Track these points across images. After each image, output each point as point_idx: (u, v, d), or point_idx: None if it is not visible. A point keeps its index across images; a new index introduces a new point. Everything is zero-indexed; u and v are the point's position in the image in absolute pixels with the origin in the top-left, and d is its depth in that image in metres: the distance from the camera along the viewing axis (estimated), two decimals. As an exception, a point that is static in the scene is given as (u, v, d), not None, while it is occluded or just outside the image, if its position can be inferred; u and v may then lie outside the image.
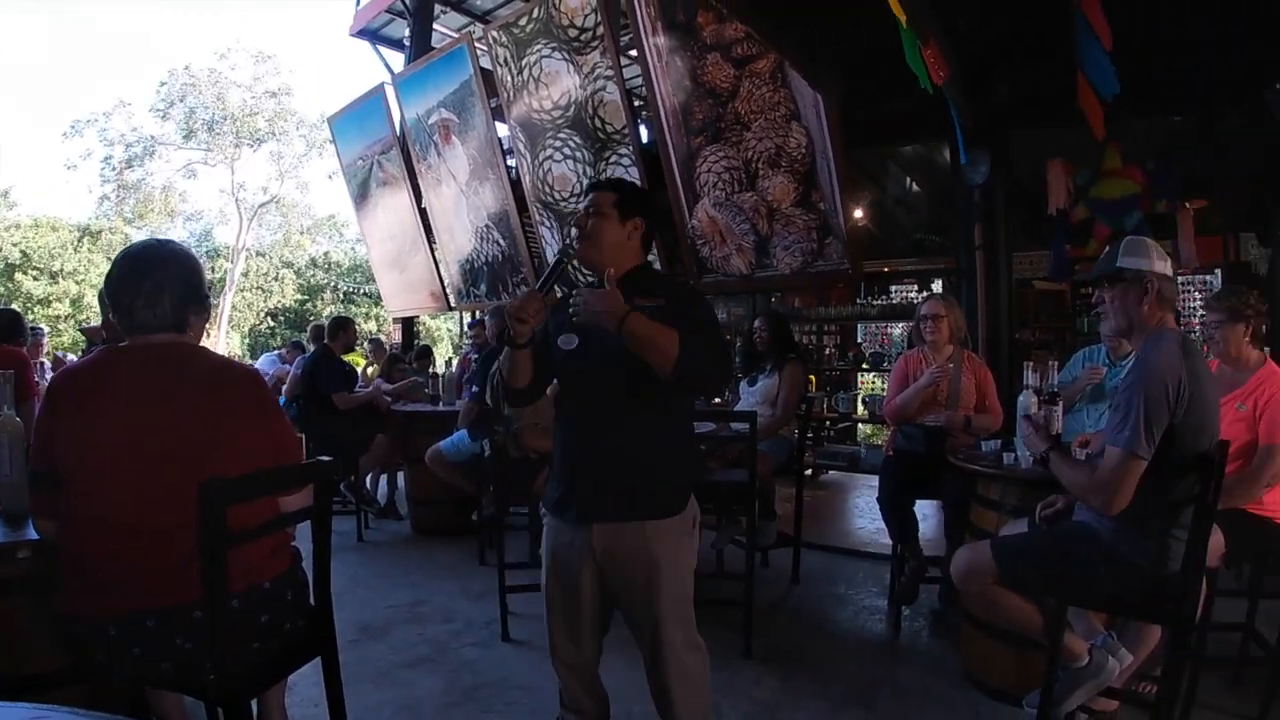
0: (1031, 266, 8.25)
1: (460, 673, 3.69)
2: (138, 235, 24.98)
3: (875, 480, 4.75)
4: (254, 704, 2.24)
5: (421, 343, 11.53)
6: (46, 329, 8.76)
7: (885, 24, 3.64)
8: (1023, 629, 2.79)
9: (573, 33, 6.48)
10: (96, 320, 9.29)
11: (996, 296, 5.68)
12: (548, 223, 7.33)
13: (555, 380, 2.58)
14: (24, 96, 50.81)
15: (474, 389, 5.60)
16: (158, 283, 2.09)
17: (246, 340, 28.06)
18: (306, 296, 29.73)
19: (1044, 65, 4.95)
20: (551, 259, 7.32)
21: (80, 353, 6.86)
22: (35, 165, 50.69)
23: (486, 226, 8.19)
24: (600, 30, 6.32)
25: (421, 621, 4.32)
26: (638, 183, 3.90)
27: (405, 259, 9.67)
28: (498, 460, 4.33)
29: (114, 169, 25.92)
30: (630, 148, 6.51)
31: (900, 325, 9.76)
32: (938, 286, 9.36)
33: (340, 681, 2.38)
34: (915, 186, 9.86)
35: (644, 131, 7.18)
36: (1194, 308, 8.10)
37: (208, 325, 2.33)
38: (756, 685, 3.54)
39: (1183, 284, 7.54)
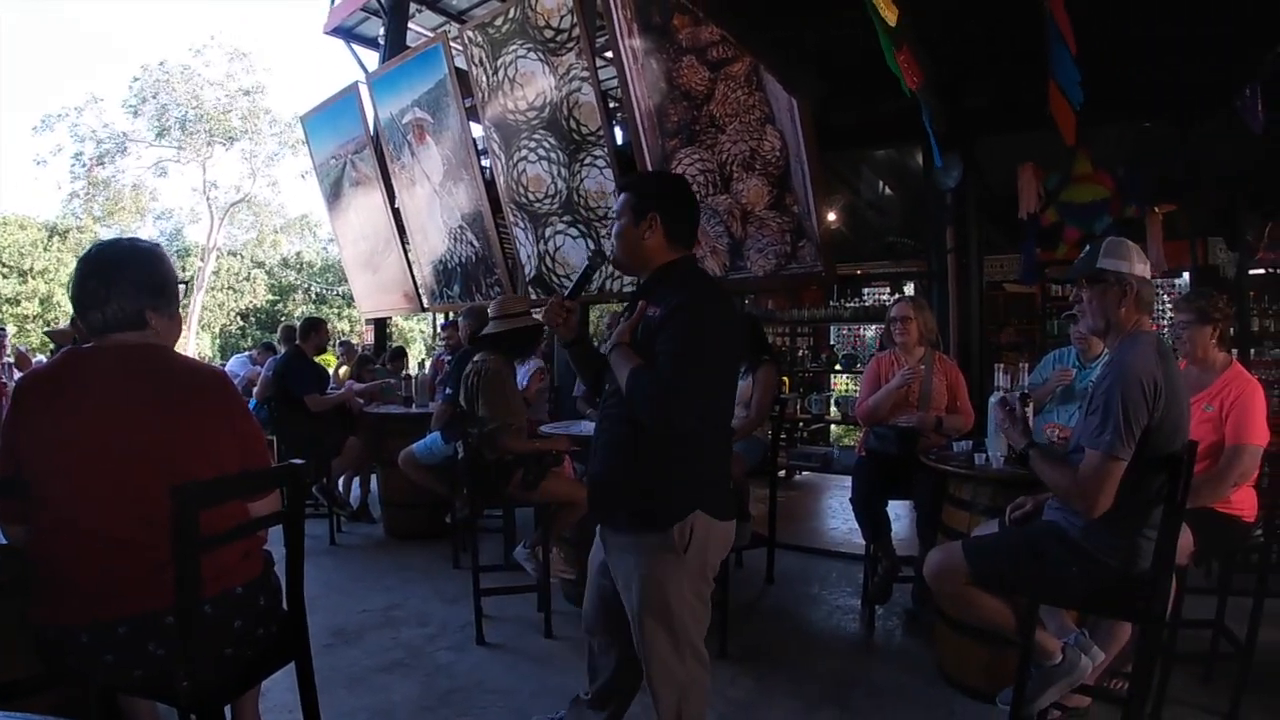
0: (1002, 270, 8.34)
1: (435, 677, 3.67)
2: (107, 233, 24.62)
3: (848, 481, 4.78)
4: (228, 710, 2.22)
5: (395, 344, 11.46)
6: (9, 329, 8.59)
7: (860, 28, 3.66)
8: (996, 627, 2.82)
9: (548, 33, 6.46)
10: (65, 321, 9.14)
11: (968, 299, 5.74)
12: (522, 224, 7.31)
13: (527, 384, 2.64)
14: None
15: (447, 391, 5.57)
16: (107, 281, 2.07)
17: (217, 341, 27.78)
18: (278, 297, 29.49)
19: (1016, 71, 4.99)
20: (525, 260, 7.34)
21: (48, 355, 6.75)
22: (2, 161, 49.98)
23: (460, 227, 8.15)
24: (576, 31, 6.31)
25: (396, 626, 4.30)
26: (657, 174, 3.81)
27: (378, 259, 9.60)
28: (471, 462, 4.31)
29: (84, 166, 25.52)
30: (605, 149, 6.50)
31: (873, 327, 9.86)
32: (910, 289, 9.43)
33: (314, 687, 2.36)
34: (888, 190, 9.95)
35: (619, 133, 7.18)
36: (1162, 310, 8.22)
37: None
38: (731, 685, 3.56)
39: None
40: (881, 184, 9.88)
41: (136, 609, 1.95)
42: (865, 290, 10.32)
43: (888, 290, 10.29)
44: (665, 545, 2.35)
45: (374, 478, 7.11)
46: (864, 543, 4.45)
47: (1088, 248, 2.76)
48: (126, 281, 2.08)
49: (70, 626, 1.94)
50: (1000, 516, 3.04)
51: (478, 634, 4.08)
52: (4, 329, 8.38)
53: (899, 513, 4.89)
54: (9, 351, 7.82)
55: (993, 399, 3.14)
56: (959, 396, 4.46)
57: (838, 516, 6.79)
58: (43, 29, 53.08)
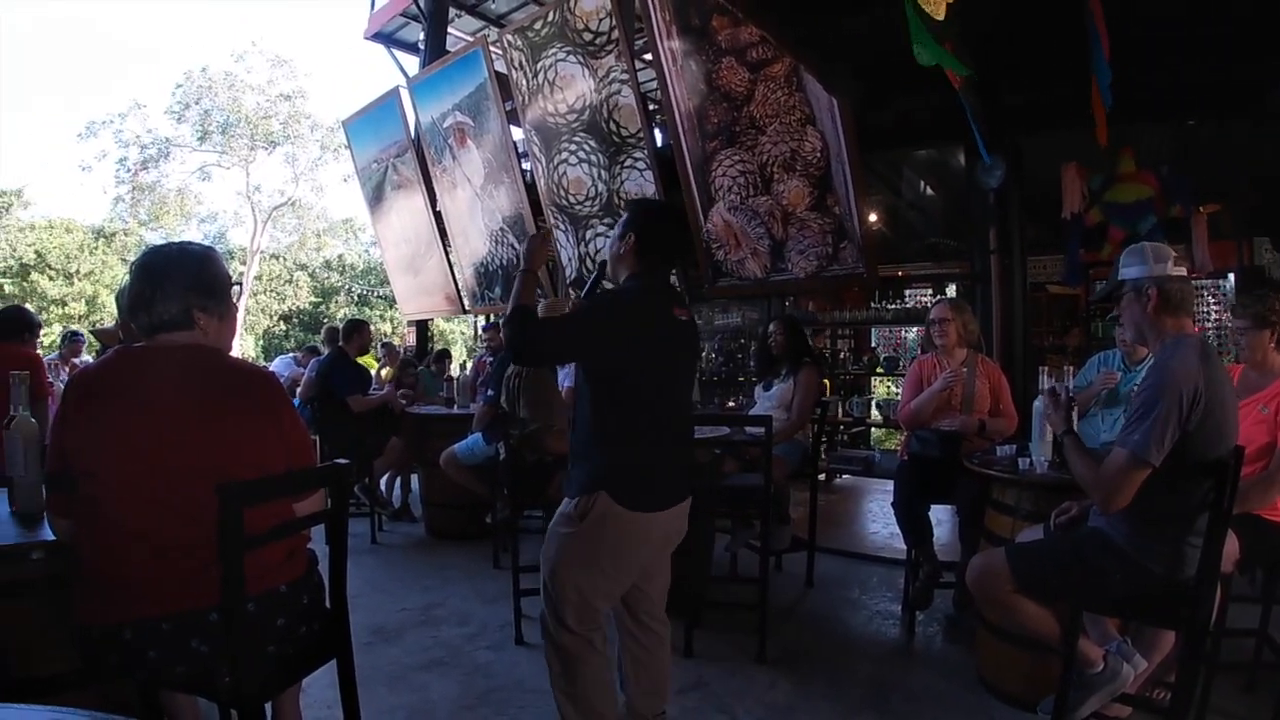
0: (1046, 271, 8.23)
1: (474, 676, 3.70)
2: (152, 237, 25.15)
3: (890, 484, 4.74)
4: (268, 706, 2.25)
5: (438, 346, 11.55)
6: (58, 329, 8.79)
7: (901, 26, 3.63)
8: (1037, 635, 2.78)
9: (587, 36, 6.49)
10: (111, 321, 9.30)
11: (1011, 300, 5.66)
12: (562, 226, 7.34)
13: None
14: (38, 96, 51.54)
15: (489, 392, 5.61)
16: (154, 283, 2.10)
17: (260, 342, 28.16)
18: (321, 299, 29.84)
19: (1057, 67, 4.92)
20: (565, 262, 7.37)
21: (95, 355, 6.89)
22: (50, 166, 51.25)
23: (501, 229, 8.20)
24: (615, 34, 6.33)
25: (436, 624, 4.33)
26: (652, 197, 3.94)
27: (420, 262, 9.68)
28: (512, 463, 4.34)
29: (129, 170, 26.07)
30: (645, 151, 6.51)
31: (915, 329, 9.76)
32: (952, 291, 9.33)
33: (355, 684, 2.39)
34: (930, 190, 9.84)
35: (659, 135, 7.18)
36: (1207, 312, 8.07)
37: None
38: (770, 689, 3.55)
39: (1196, 288, 7.50)
40: (923, 184, 9.77)
41: (180, 606, 1.97)
42: (907, 292, 10.23)
43: (930, 292, 10.19)
44: (566, 512, 2.66)
45: (415, 478, 7.18)
46: (905, 547, 4.39)
47: (1115, 263, 2.74)
48: (173, 283, 2.10)
49: (114, 623, 1.96)
50: (1044, 522, 3.00)
51: (517, 634, 4.11)
52: (80, 334, 8.59)
53: (940, 517, 4.85)
54: (84, 354, 8.03)
55: (1037, 402, 3.11)
56: (1002, 399, 4.39)
57: (879, 520, 6.73)
58: (76, 36, 54.45)
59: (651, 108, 7.34)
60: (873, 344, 10.81)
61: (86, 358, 7.49)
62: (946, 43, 3.67)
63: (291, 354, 11.87)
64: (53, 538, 2.15)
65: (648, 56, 6.72)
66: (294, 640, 2.19)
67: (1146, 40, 4.50)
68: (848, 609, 4.70)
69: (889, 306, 9.37)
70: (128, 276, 2.17)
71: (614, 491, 2.59)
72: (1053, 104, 5.35)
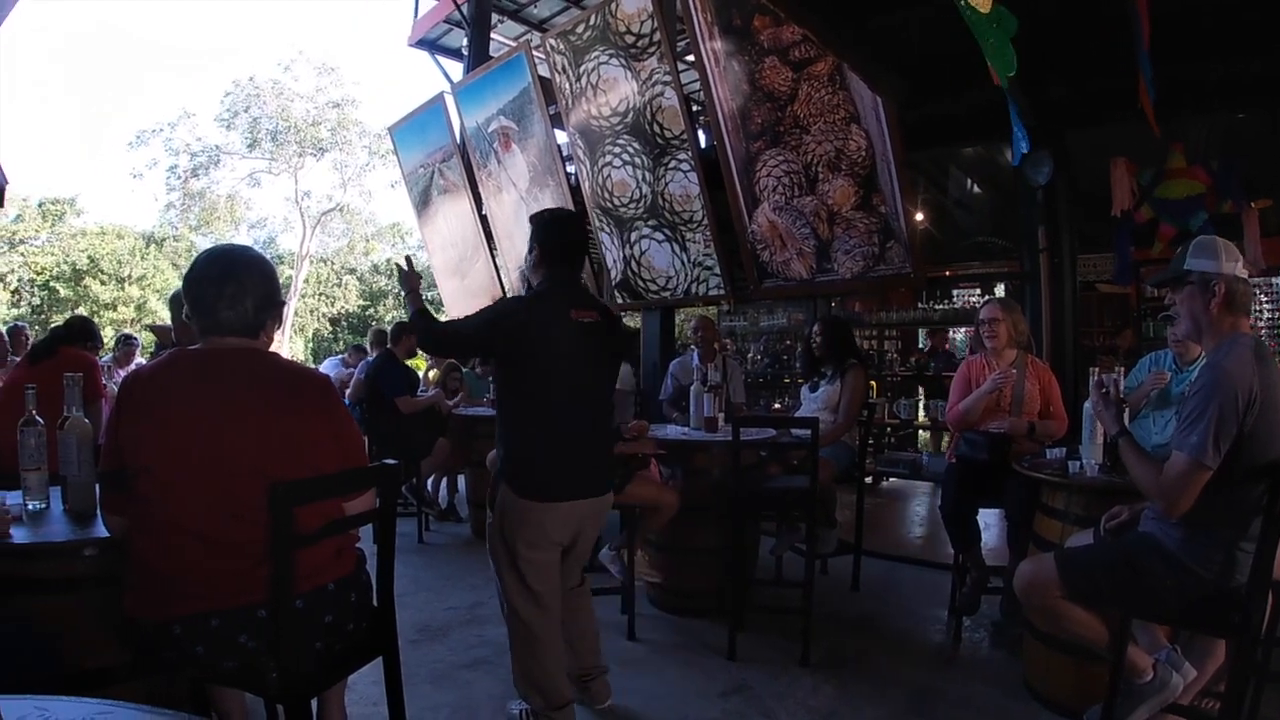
0: (1095, 269, 8.08)
1: (518, 675, 3.72)
2: (204, 242, 25.65)
3: (937, 488, 4.69)
4: (314, 702, 2.28)
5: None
6: (139, 339, 9.05)
7: (945, 24, 3.58)
8: (1086, 642, 2.73)
9: (630, 39, 6.51)
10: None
11: (1061, 300, 5.55)
12: (607, 229, 7.37)
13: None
14: (88, 106, 53.03)
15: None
16: (241, 285, 2.14)
17: (310, 344, 28.58)
18: (369, 302, 30.20)
19: (1103, 59, 4.82)
20: (611, 264, 7.39)
21: (150, 353, 7.05)
22: (101, 174, 52.69)
23: (546, 233, 8.23)
24: (657, 36, 6.34)
25: (481, 623, 4.37)
26: (550, 207, 4.18)
27: (466, 265, 9.77)
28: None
29: (179, 178, 26.72)
30: (689, 153, 6.52)
31: (962, 330, 9.64)
32: (1001, 290, 9.19)
33: (400, 681, 2.41)
34: (977, 188, 9.71)
35: (702, 136, 7.18)
36: (1259, 310, 7.87)
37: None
38: (814, 693, 3.53)
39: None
40: (969, 182, 9.65)
41: (230, 603, 2.00)
42: (955, 292, 10.09)
43: (978, 291, 10.04)
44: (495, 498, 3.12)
45: (462, 478, 7.24)
46: (952, 552, 4.35)
47: (1179, 250, 2.66)
48: (255, 285, 2.16)
49: (164, 619, 1.99)
50: (1094, 527, 2.94)
51: (561, 634, 4.13)
52: (135, 339, 8.81)
53: (988, 522, 4.78)
54: (138, 357, 8.23)
55: (1088, 404, 3.06)
56: (1052, 401, 4.31)
57: (926, 524, 6.68)
58: (120, 45, 55.83)
59: (695, 109, 7.34)
60: (920, 344, 10.69)
61: (140, 360, 7.65)
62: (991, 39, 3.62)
63: (339, 355, 12.02)
64: (104, 535, 2.20)
65: (690, 58, 6.72)
66: (341, 637, 2.22)
67: (1194, 31, 4.39)
68: (893, 614, 4.66)
69: (936, 307, 9.26)
70: (185, 278, 2.20)
71: (510, 482, 3.00)
72: (1100, 96, 5.23)
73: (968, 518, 4.21)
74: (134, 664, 2.09)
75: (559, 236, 3.20)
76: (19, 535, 2.24)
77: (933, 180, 9.31)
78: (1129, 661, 2.59)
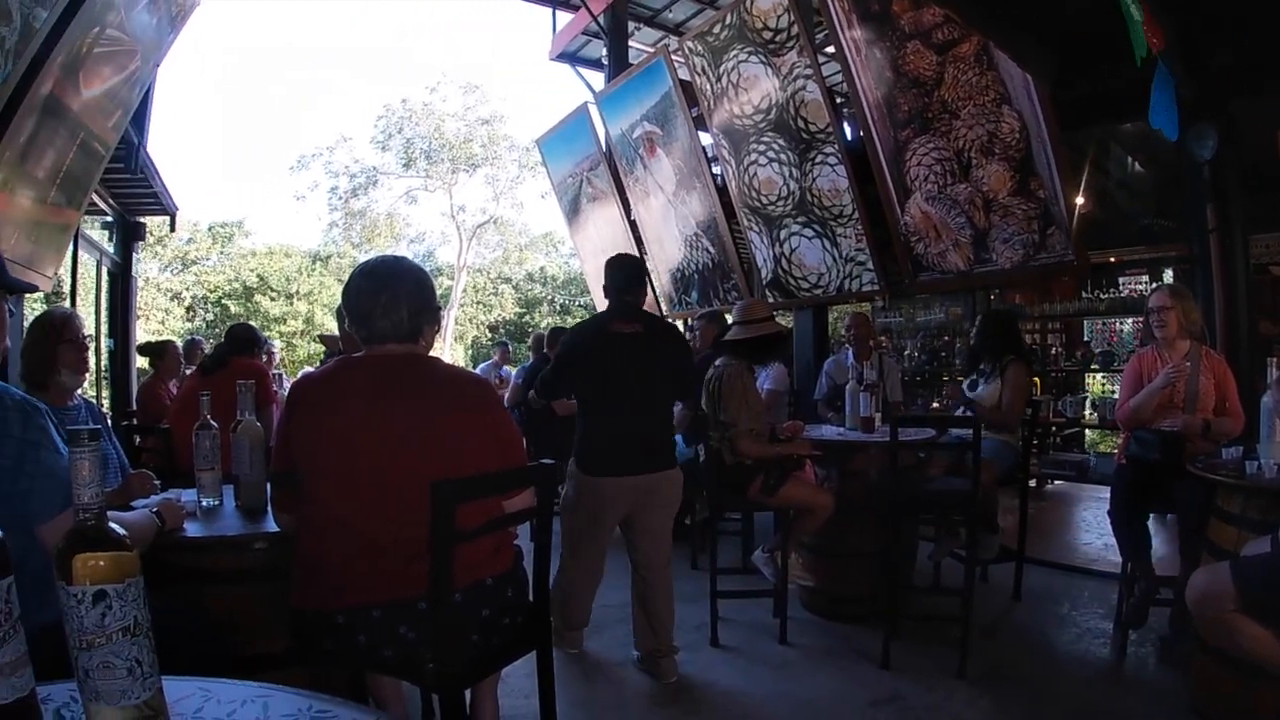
0: (1269, 250, 7.43)
1: (668, 674, 3.74)
2: (365, 258, 26.86)
3: (1105, 491, 4.41)
4: (468, 693, 2.37)
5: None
6: (278, 344, 9.64)
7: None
8: (1261, 660, 2.47)
9: (767, 35, 6.44)
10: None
11: (1233, 284, 5.08)
12: (756, 227, 7.31)
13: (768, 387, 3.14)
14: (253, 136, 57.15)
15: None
16: (395, 294, 2.23)
17: (469, 352, 29.60)
18: (525, 309, 31.03)
19: (1273, 23, 4.40)
20: (761, 263, 7.32)
21: (319, 361, 7.48)
22: (267, 198, 56.88)
23: (695, 234, 8.28)
24: (795, 30, 6.25)
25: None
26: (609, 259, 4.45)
27: (617, 271, 9.90)
28: (712, 466, 4.34)
29: (340, 198, 28.20)
30: (835, 146, 6.40)
31: (1130, 320, 9.03)
32: (1169, 276, 8.57)
33: (553, 676, 2.46)
34: (1139, 167, 9.09)
35: (848, 129, 7.02)
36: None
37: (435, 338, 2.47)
38: (969, 707, 3.38)
39: None
40: (1131, 160, 9.03)
41: (391, 596, 2.09)
42: (1121, 279, 9.45)
43: (1145, 278, 9.36)
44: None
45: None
46: (1120, 560, 4.05)
47: None
48: (409, 292, 2.25)
49: (328, 609, 2.11)
50: (1274, 533, 2.68)
51: (712, 635, 4.13)
52: (273, 344, 9.38)
53: (1157, 527, 4.45)
54: (277, 363, 8.74)
55: (1266, 398, 2.80)
56: (1228, 396, 3.94)
57: (1092, 530, 6.28)
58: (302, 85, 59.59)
59: (839, 101, 7.20)
60: (1085, 337, 10.10)
61: (278, 370, 8.05)
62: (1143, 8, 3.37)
63: (491, 359, 12.43)
64: (274, 530, 2.39)
65: (830, 49, 6.61)
66: (497, 631, 2.28)
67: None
68: (1056, 625, 4.41)
69: (1102, 296, 8.70)
70: (344, 291, 2.32)
71: (579, 462, 3.85)
72: (1268, 62, 4.78)
73: (1138, 523, 3.93)
74: (298, 652, 2.21)
75: (610, 275, 3.95)
76: (193, 530, 2.45)
77: (1092, 160, 8.76)
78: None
